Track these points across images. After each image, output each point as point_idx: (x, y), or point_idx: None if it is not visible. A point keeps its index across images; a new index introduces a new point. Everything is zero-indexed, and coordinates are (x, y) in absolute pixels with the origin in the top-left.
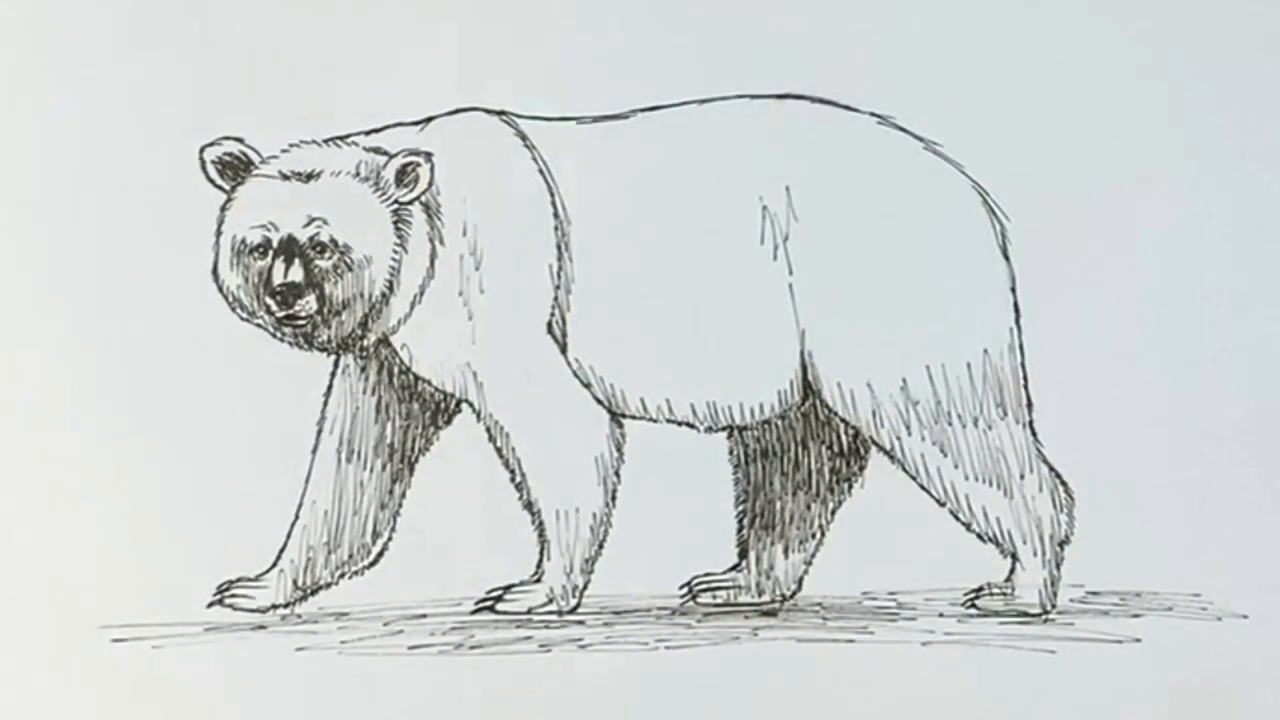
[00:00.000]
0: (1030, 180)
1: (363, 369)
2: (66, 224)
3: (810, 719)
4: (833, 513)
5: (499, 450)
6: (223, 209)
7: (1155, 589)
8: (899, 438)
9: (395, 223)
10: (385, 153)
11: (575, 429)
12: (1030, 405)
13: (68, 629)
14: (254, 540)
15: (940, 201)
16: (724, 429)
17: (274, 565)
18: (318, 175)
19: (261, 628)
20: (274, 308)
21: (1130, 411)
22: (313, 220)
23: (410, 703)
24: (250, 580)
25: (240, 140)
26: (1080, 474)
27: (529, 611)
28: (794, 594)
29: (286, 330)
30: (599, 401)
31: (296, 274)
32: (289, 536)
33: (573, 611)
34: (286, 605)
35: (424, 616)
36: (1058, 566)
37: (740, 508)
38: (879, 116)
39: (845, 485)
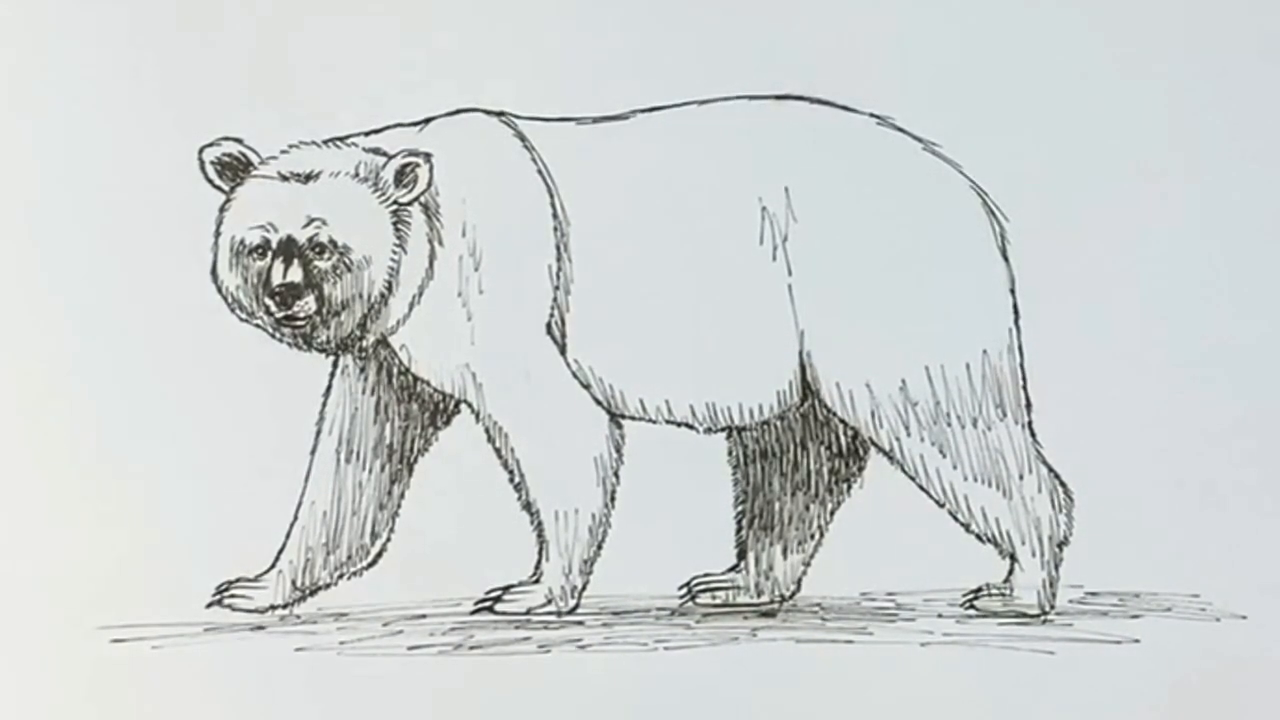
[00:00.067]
0: (1030, 180)
1: (362, 369)
2: (66, 224)
3: (810, 719)
4: (832, 513)
5: (498, 451)
6: (222, 209)
7: (1154, 589)
8: (898, 438)
9: (394, 223)
10: (385, 153)
11: (574, 430)
12: (1029, 406)
13: (68, 629)
14: (253, 541)
15: (939, 202)
16: (723, 429)
17: (273, 566)
18: (317, 176)
19: (261, 628)
20: (273, 308)
21: (1130, 411)
22: (312, 221)
23: (410, 703)
24: (249, 581)
25: (240, 140)
26: (1080, 474)
27: (528, 612)
28: (793, 594)
29: (285, 331)
30: (598, 402)
31: (295, 275)
32: (288, 537)
33: (572, 612)
34: (285, 606)
35: (423, 617)
36: (1056, 567)
37: (739, 508)
38: (878, 117)
39: (844, 486)
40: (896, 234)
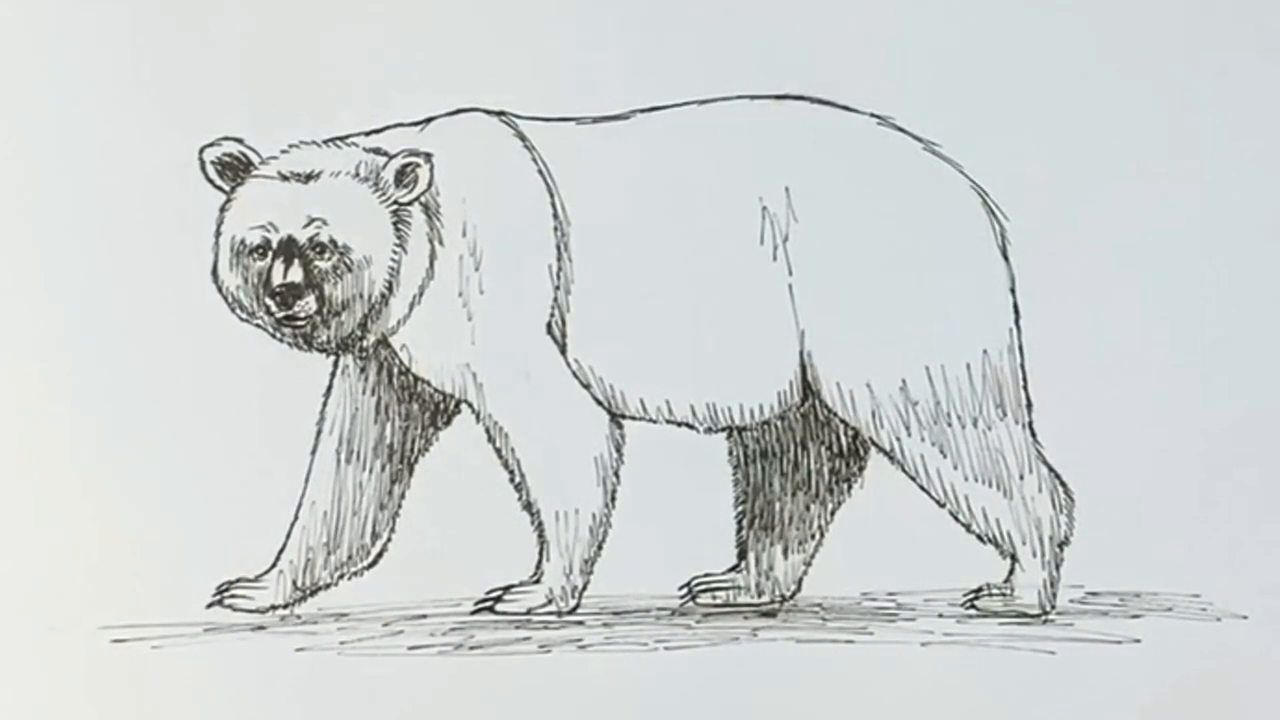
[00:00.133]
0: (1030, 180)
1: (362, 369)
2: (65, 224)
3: (810, 719)
4: (832, 513)
5: (498, 451)
6: (222, 209)
7: (1155, 589)
8: (898, 438)
9: (395, 223)
10: (385, 153)
11: (575, 429)
12: (1030, 406)
13: (68, 629)
14: (254, 540)
15: (940, 202)
16: (724, 429)
17: (273, 566)
18: (317, 176)
19: (261, 628)
20: (273, 308)
21: (1130, 411)
22: (312, 221)
23: (410, 703)
24: (250, 581)
25: (240, 140)
26: (1080, 474)
27: (528, 612)
28: (793, 594)
29: (286, 331)
30: (599, 402)
31: (296, 275)
32: (288, 537)
33: (572, 612)
34: (286, 606)
35: (424, 617)
36: (1057, 567)
37: (740, 508)
38: (879, 117)
39: (845, 486)
40: (897, 234)
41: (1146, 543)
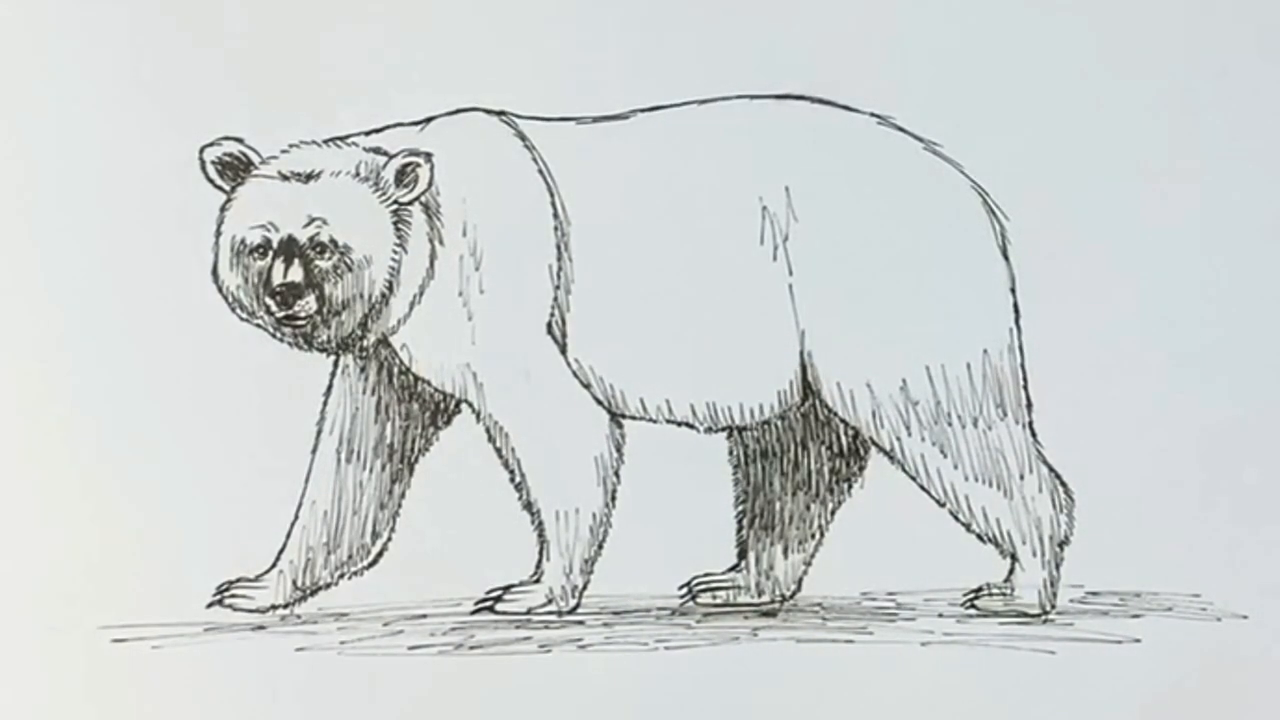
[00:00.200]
0: (1030, 180)
1: (362, 369)
2: (65, 224)
3: (810, 719)
4: (832, 513)
5: (498, 451)
6: (222, 209)
7: (1155, 589)
8: (899, 438)
9: (395, 223)
10: (385, 153)
11: (575, 429)
12: (1030, 405)
13: (68, 629)
14: (254, 540)
15: (940, 201)
16: (724, 429)
17: (273, 566)
18: (317, 175)
19: (261, 628)
20: (274, 308)
21: (1130, 411)
22: (312, 220)
23: (410, 703)
24: (250, 581)
25: (240, 140)
26: (1080, 474)
27: (528, 612)
28: (793, 594)
29: (286, 330)
30: (599, 402)
31: (296, 274)
32: (288, 537)
33: (572, 612)
34: (286, 606)
35: (424, 616)
36: (1057, 567)
37: (740, 508)
38: (879, 116)
39: (845, 485)
40: (897, 234)
41: (1146, 543)
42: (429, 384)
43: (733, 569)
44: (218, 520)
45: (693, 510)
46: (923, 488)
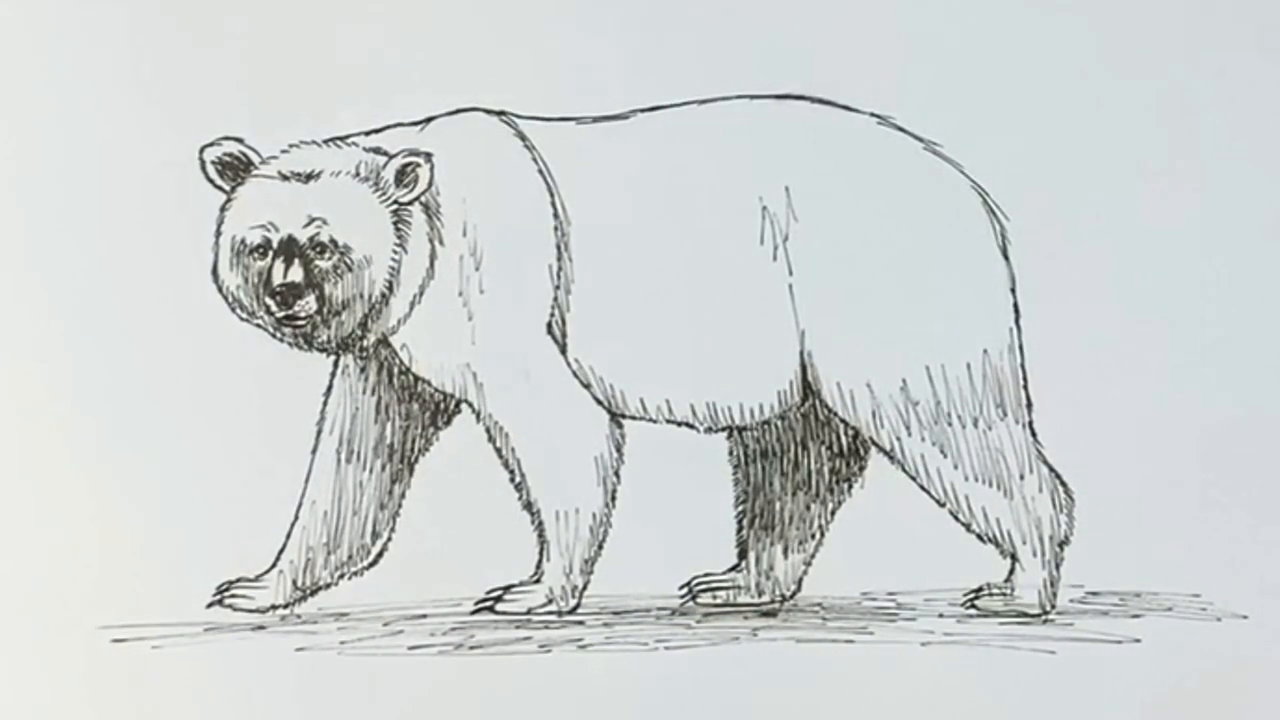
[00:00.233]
0: (1030, 180)
1: (362, 369)
2: (65, 224)
3: (810, 719)
4: (832, 513)
5: (498, 451)
6: (222, 209)
7: (1155, 589)
8: (899, 438)
9: (395, 223)
10: (385, 153)
11: (575, 429)
12: (1030, 405)
13: (68, 629)
14: (254, 540)
15: (940, 201)
16: (724, 429)
17: (273, 566)
18: (317, 175)
19: (261, 628)
20: (274, 308)
21: (1130, 411)
22: (312, 220)
23: (410, 703)
24: (250, 581)
25: (240, 140)
26: (1080, 474)
27: (528, 612)
28: (794, 594)
29: (286, 330)
30: (599, 402)
31: (296, 274)
32: (288, 537)
33: (572, 612)
34: (286, 606)
35: (424, 616)
36: (1057, 567)
37: (740, 508)
38: (879, 116)
39: (845, 485)
40: (897, 234)
41: (1146, 543)
42: (429, 384)
43: (733, 569)
44: (218, 520)
45: (693, 510)
46: (923, 488)
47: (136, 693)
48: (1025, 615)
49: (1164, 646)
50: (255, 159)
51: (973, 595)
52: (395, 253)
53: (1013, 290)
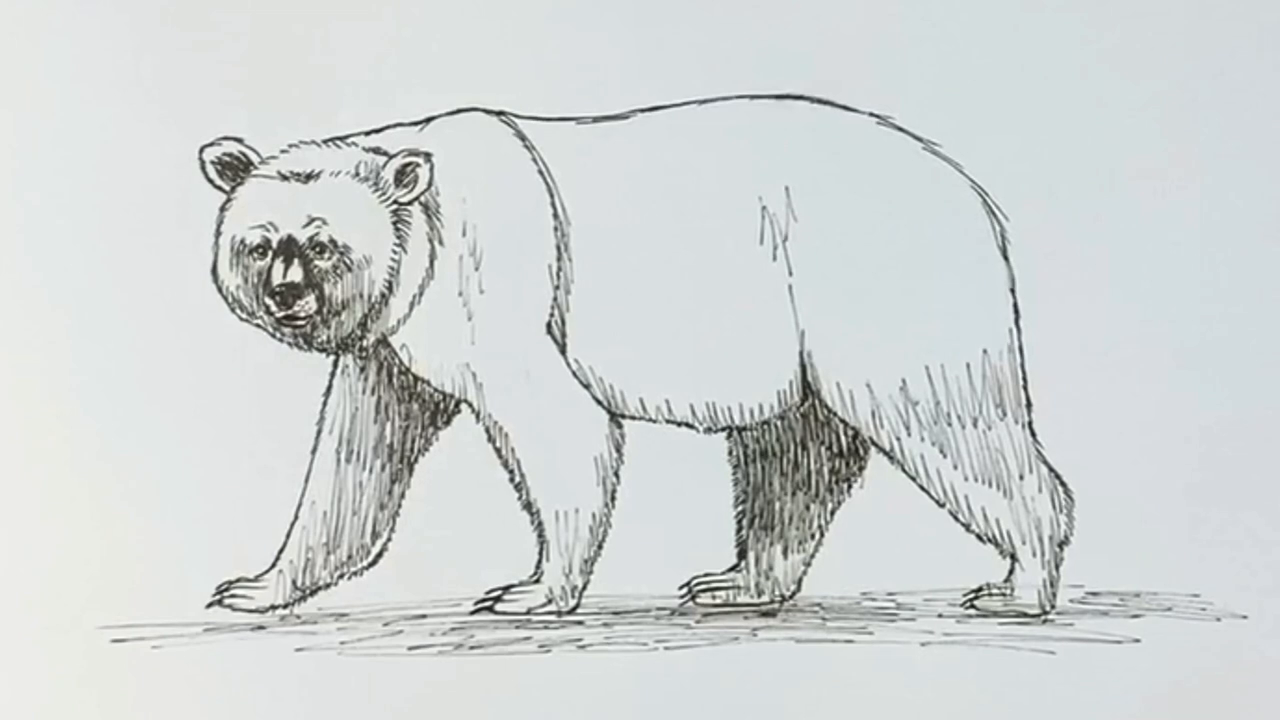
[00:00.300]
0: (1030, 180)
1: (362, 369)
2: (65, 224)
3: (810, 719)
4: (832, 513)
5: (498, 451)
6: (222, 209)
7: (1155, 589)
8: (898, 438)
9: (395, 223)
10: (385, 153)
11: (574, 429)
12: (1030, 405)
13: (68, 629)
14: (253, 540)
15: (940, 201)
16: (723, 429)
17: (273, 566)
18: (317, 175)
19: (261, 628)
20: (273, 308)
21: (1130, 411)
22: (312, 220)
23: (410, 703)
24: (249, 581)
25: (240, 140)
26: (1080, 474)
27: (528, 612)
28: (793, 594)
29: (286, 330)
30: (598, 402)
31: (296, 274)
32: (288, 537)
33: (572, 612)
34: (286, 606)
35: (424, 617)
36: (1057, 567)
37: (740, 508)
38: (879, 116)
39: (845, 486)
40: (897, 234)
41: (1146, 543)
42: (429, 384)
43: (733, 569)
44: (218, 520)
45: (693, 510)
46: (923, 488)
47: (136, 693)
48: (1025, 615)
49: (1164, 646)
50: (255, 159)
51: (972, 595)
52: (395, 253)
53: (1013, 290)
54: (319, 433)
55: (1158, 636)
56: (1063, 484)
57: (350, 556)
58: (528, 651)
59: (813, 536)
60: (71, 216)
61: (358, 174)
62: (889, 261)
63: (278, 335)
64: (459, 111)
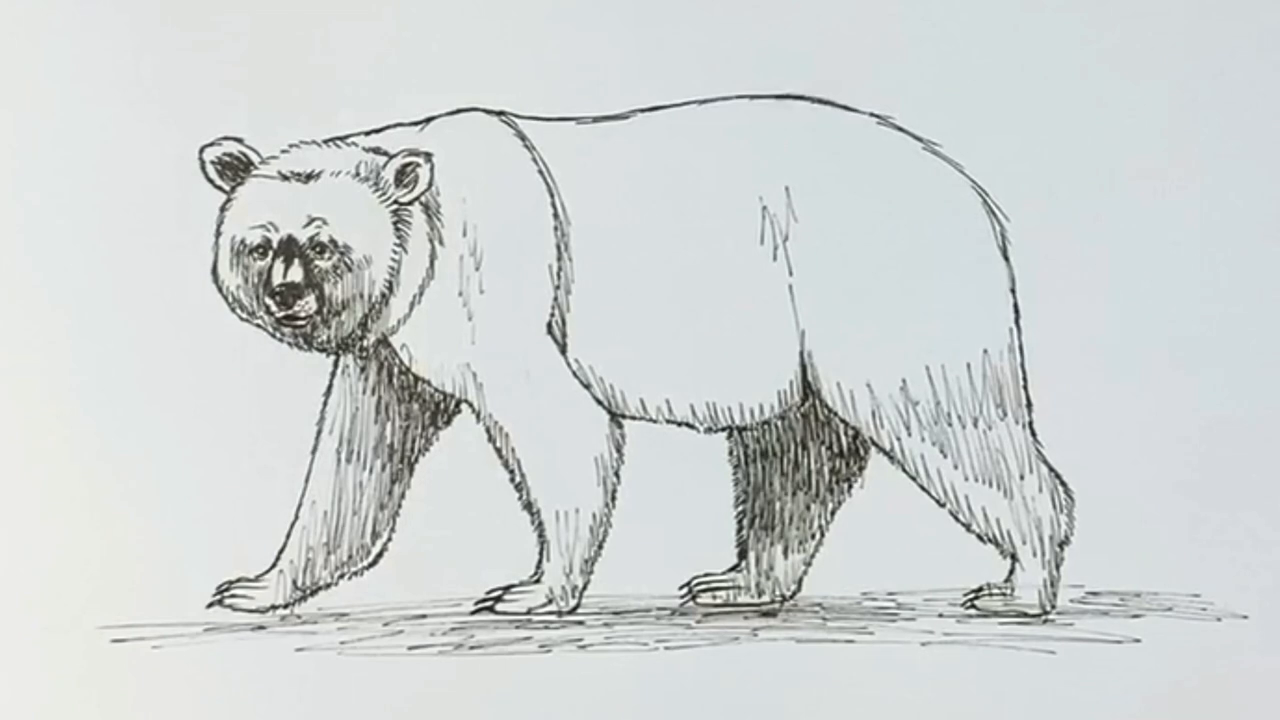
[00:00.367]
0: (1030, 180)
1: (362, 369)
2: (65, 224)
3: (810, 719)
4: (832, 513)
5: (498, 451)
6: (222, 209)
7: (1155, 589)
8: (899, 438)
9: (395, 223)
10: (385, 153)
11: (575, 429)
12: (1030, 405)
13: (68, 629)
14: (253, 540)
15: (940, 201)
16: (724, 429)
17: (273, 566)
18: (317, 175)
19: (261, 628)
20: (274, 308)
21: (1130, 411)
22: (312, 220)
23: (410, 703)
24: (250, 580)
25: (240, 140)
26: (1080, 474)
27: (529, 612)
28: (794, 594)
29: (286, 330)
30: (599, 402)
31: (296, 274)
32: (288, 537)
33: (572, 612)
34: (286, 606)
35: (424, 616)
36: (1057, 567)
37: (740, 508)
38: (879, 116)
39: (845, 485)
40: (897, 234)
41: (1146, 543)
42: (429, 384)
43: (733, 569)
44: (218, 520)
45: (693, 510)
46: (923, 488)
47: (136, 693)
48: (1025, 615)
49: (1164, 646)
50: (255, 159)
51: (973, 595)
52: (395, 253)
53: (1013, 290)
54: (319, 433)
55: (1158, 636)
56: (1063, 484)
57: (350, 556)
58: (528, 651)
59: (813, 536)
60: (71, 216)
61: (358, 174)
62: (889, 261)
63: (278, 335)
64: (459, 111)
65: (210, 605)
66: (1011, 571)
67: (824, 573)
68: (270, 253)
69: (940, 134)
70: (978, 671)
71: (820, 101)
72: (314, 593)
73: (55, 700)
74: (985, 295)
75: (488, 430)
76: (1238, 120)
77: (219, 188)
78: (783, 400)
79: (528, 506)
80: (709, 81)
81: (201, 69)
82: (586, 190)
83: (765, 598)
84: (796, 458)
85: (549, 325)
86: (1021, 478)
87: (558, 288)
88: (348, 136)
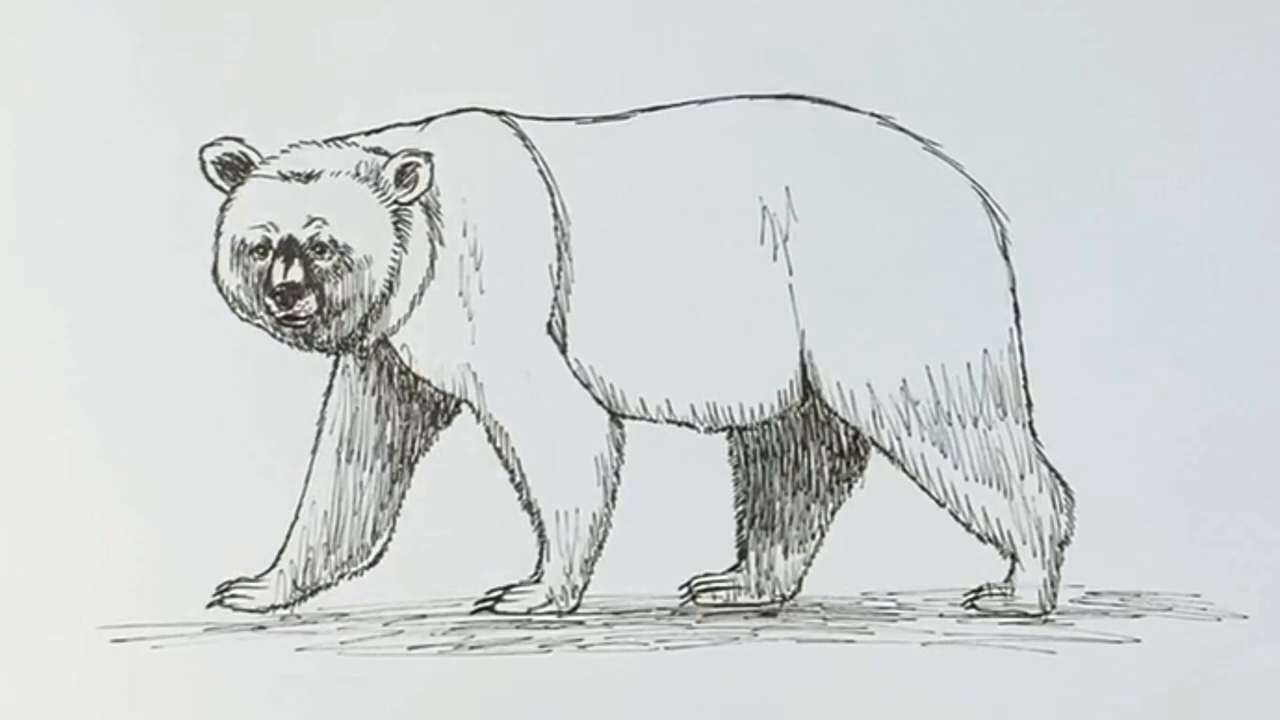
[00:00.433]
0: (1030, 180)
1: (362, 369)
2: (65, 224)
3: (810, 719)
4: (832, 513)
5: (498, 451)
6: (222, 209)
7: (1155, 589)
8: (899, 438)
9: (395, 223)
10: (385, 153)
11: (575, 429)
12: (1030, 405)
13: (68, 629)
14: (254, 540)
15: (940, 201)
16: (724, 429)
17: (274, 566)
18: (317, 175)
19: (261, 628)
20: (274, 308)
21: (1130, 411)
22: (312, 220)
23: (410, 703)
24: (250, 580)
25: (240, 140)
26: (1080, 474)
27: (529, 612)
28: (794, 594)
29: (286, 330)
30: (599, 401)
31: (296, 274)
32: (288, 537)
33: (572, 612)
34: (286, 606)
35: (424, 617)
36: (1057, 567)
37: (740, 508)
38: (879, 116)
39: (845, 485)
40: (897, 234)
41: (1146, 543)
42: (429, 384)
43: (733, 569)
44: (218, 520)
45: (693, 510)
46: (923, 488)
47: (136, 693)
48: (1025, 615)
49: (1164, 646)
50: (255, 159)
51: (973, 595)
52: (395, 253)
53: (1013, 290)
54: (319, 433)
55: (1158, 636)
56: (1063, 484)
57: (350, 556)
58: (528, 651)
59: (813, 536)
60: (72, 217)
61: (358, 174)
62: (889, 261)
63: (278, 335)
64: (459, 111)
65: (210, 605)
66: (1011, 571)
67: (824, 573)
68: (270, 253)
69: (940, 134)
70: (978, 671)
71: (820, 101)
72: (314, 593)
73: (55, 700)
74: (985, 295)
75: (488, 430)
76: (1238, 120)
77: (219, 188)
78: (783, 400)
79: (528, 506)
80: (709, 81)
81: (202, 69)
82: (587, 190)
83: (765, 598)
84: (796, 458)
85: (549, 325)
86: (1021, 477)
87: (558, 288)
88: (348, 136)
